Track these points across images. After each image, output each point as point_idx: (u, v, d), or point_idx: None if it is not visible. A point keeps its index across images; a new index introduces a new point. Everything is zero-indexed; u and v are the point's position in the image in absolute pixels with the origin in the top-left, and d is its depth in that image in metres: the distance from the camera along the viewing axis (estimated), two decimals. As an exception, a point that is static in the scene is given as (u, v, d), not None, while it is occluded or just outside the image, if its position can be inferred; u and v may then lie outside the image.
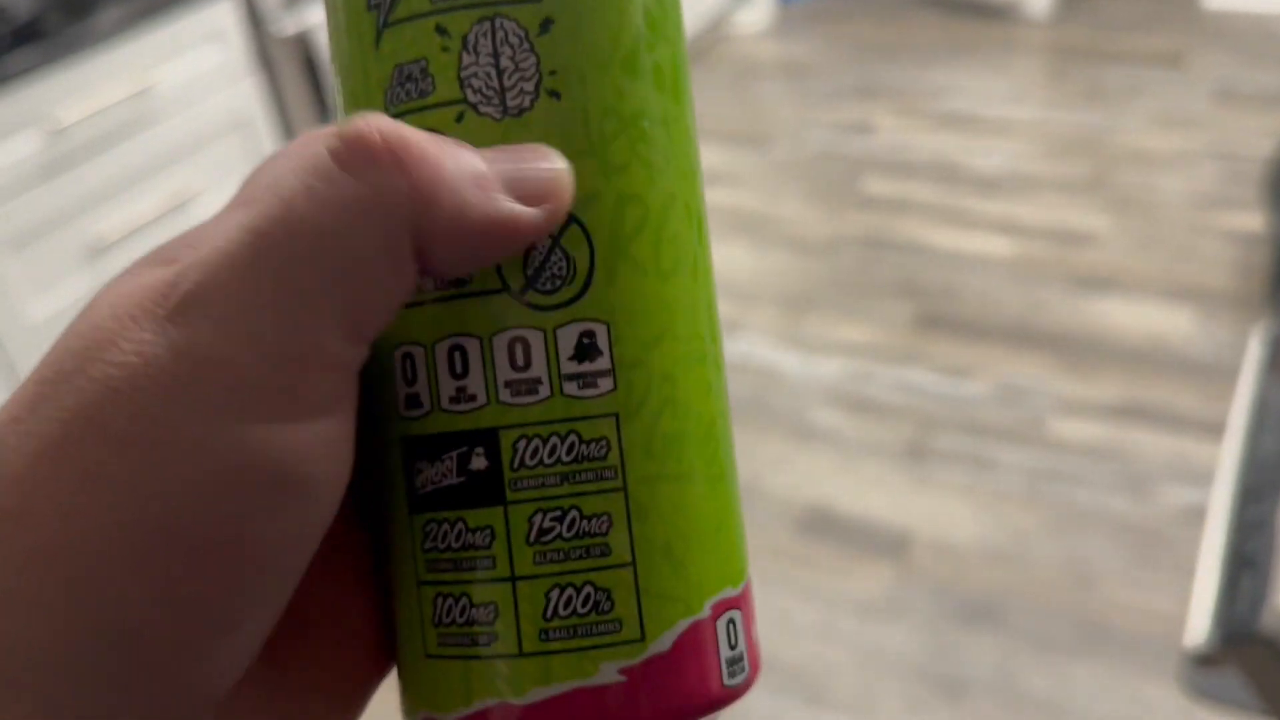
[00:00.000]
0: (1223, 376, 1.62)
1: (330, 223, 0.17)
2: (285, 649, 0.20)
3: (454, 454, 0.20)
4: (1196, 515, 1.40)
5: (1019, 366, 1.70)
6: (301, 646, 0.21)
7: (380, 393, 0.21)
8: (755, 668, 0.22)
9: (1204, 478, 1.45)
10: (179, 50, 1.53)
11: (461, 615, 0.20)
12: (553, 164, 0.19)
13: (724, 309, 1.91)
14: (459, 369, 0.20)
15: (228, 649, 0.18)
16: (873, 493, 1.50)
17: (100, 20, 1.44)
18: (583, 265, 0.19)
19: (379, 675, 0.22)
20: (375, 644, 0.22)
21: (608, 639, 0.19)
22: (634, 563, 0.20)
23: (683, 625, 0.20)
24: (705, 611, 0.21)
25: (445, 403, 0.20)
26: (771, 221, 2.18)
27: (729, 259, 2.08)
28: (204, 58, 1.57)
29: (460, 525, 0.20)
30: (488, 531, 0.20)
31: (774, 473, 1.55)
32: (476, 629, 0.20)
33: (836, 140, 2.47)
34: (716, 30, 3.05)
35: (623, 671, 0.20)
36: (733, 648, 0.21)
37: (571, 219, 0.19)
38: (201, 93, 1.56)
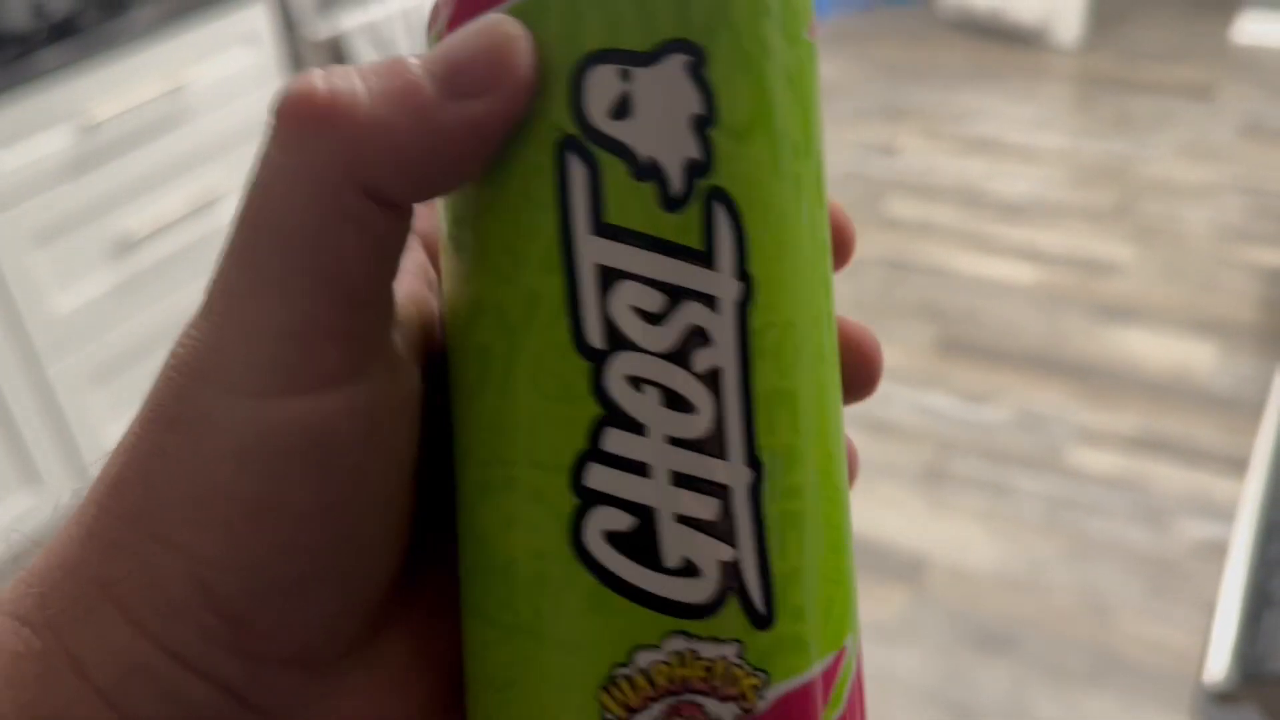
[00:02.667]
0: (1244, 411, 1.61)
1: (278, 202, 0.18)
2: (405, 627, 0.21)
3: None
4: (1213, 549, 1.39)
5: (1039, 393, 1.70)
6: (416, 627, 0.21)
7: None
8: None
9: (1222, 512, 1.44)
10: (212, 51, 1.54)
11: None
12: (491, 36, 0.18)
13: (744, 326, 1.91)
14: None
15: (315, 608, 0.19)
16: (889, 515, 1.50)
17: (136, 19, 1.45)
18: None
19: None
20: None
21: None
22: None
23: None
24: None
25: None
26: (794, 240, 2.18)
27: (750, 276, 2.08)
28: (236, 59, 1.58)
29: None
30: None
31: (790, 491, 1.55)
32: None
33: (861, 161, 2.47)
34: (744, 47, 3.05)
35: None
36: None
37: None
38: (232, 93, 1.57)
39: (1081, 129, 2.54)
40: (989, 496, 1.52)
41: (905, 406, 1.70)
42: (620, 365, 0.18)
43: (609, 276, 0.18)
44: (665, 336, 0.19)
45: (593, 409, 0.19)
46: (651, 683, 0.19)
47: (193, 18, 1.51)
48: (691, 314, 0.19)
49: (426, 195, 0.18)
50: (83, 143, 1.40)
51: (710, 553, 0.19)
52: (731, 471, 0.19)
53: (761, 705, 0.19)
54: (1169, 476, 1.53)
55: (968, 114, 2.62)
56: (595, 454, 0.19)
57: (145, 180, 1.48)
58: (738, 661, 0.19)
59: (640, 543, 0.18)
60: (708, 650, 0.19)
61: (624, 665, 0.19)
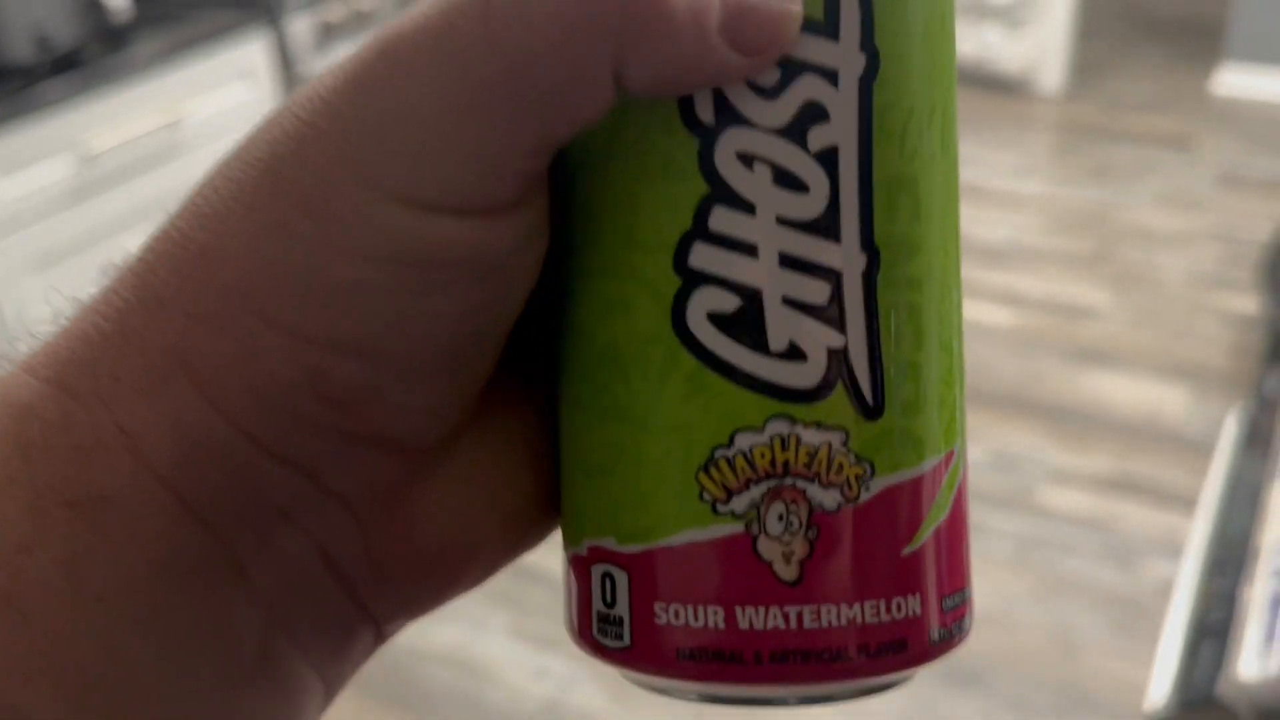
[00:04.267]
0: (1212, 454, 1.64)
1: (529, 36, 0.16)
2: (502, 421, 0.20)
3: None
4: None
5: (1013, 434, 1.73)
6: (520, 420, 0.21)
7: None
8: (648, 654, 0.20)
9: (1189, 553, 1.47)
10: (210, 86, 1.58)
11: None
12: (784, 6, 0.17)
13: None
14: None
15: (421, 397, 0.18)
16: (863, 551, 1.53)
17: (136, 53, 1.49)
18: None
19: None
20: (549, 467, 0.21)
21: None
22: None
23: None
24: (581, 549, 0.20)
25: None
26: (778, 280, 2.22)
27: (734, 314, 2.11)
28: (234, 94, 1.62)
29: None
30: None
31: (767, 526, 1.57)
32: None
33: (846, 203, 2.51)
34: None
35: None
36: (608, 605, 0.20)
37: None
38: (229, 127, 1.61)
39: (1062, 176, 2.59)
40: (962, 534, 1.55)
41: (882, 445, 1.73)
42: (730, 141, 0.18)
43: None
44: (780, 111, 0.18)
45: (700, 186, 0.18)
46: (752, 465, 0.18)
47: (192, 53, 1.55)
48: (809, 88, 0.18)
49: (655, 95, 0.18)
50: (82, 173, 1.43)
51: (818, 337, 0.18)
52: (845, 256, 0.18)
53: (865, 495, 0.19)
54: (1138, 517, 1.56)
55: (951, 159, 2.67)
56: (701, 233, 0.18)
57: (142, 210, 1.52)
58: (842, 450, 0.18)
59: (745, 325, 0.18)
60: (811, 436, 0.18)
61: (725, 447, 0.18)
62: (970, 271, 2.17)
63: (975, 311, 2.06)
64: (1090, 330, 1.99)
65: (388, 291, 0.17)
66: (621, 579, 0.19)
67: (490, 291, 0.18)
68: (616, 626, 0.20)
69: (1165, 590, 1.43)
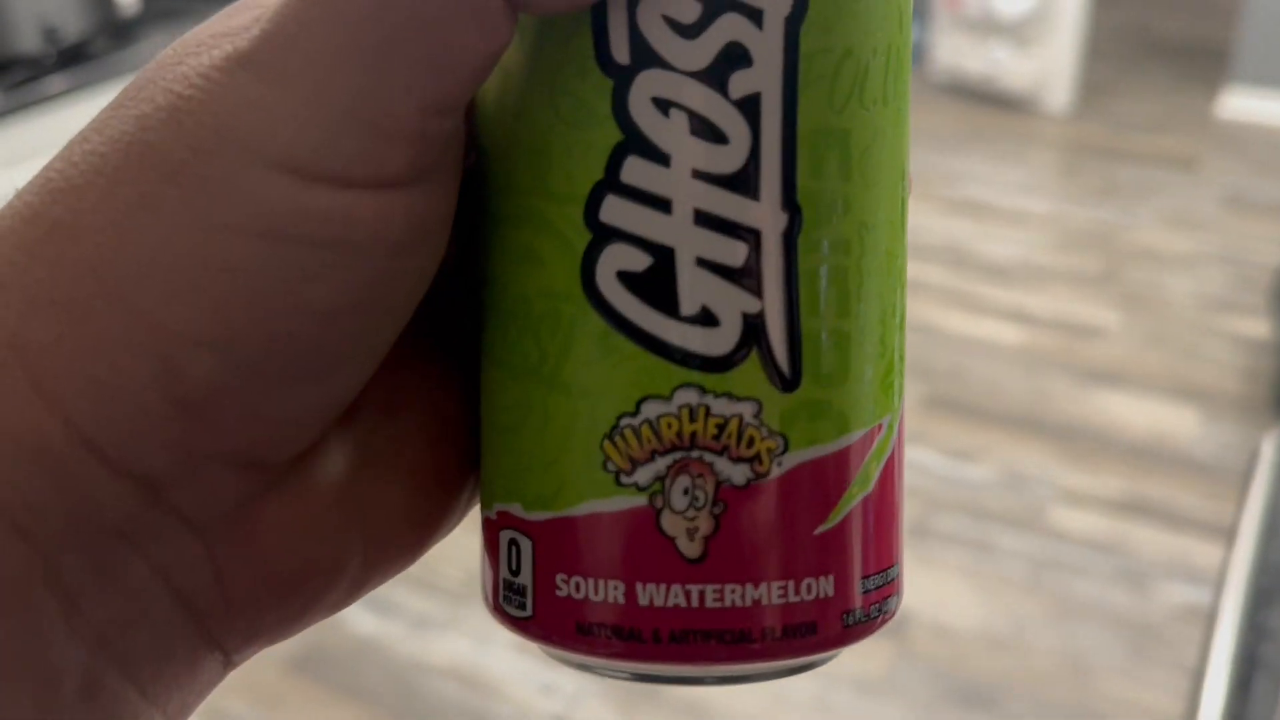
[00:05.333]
0: (1224, 477, 1.63)
1: (408, 1, 0.15)
2: (369, 434, 0.19)
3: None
4: (1193, 614, 1.40)
5: (1023, 453, 1.71)
6: (388, 435, 0.19)
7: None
8: (549, 625, 0.19)
9: (1202, 577, 1.45)
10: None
11: None
12: None
13: (733, 375, 1.93)
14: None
15: (284, 406, 0.17)
16: (873, 569, 1.51)
17: (144, 47, 1.47)
18: None
19: (470, 476, 0.21)
20: (469, 441, 0.20)
21: None
22: None
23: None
24: (492, 513, 0.19)
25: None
26: (784, 292, 2.20)
27: (741, 326, 2.09)
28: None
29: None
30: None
31: (775, 542, 1.55)
32: None
33: (852, 217, 2.50)
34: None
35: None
36: (513, 572, 0.19)
37: None
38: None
39: (1068, 195, 2.58)
40: (973, 554, 1.53)
41: (891, 461, 1.71)
42: (646, 84, 0.17)
43: None
44: (699, 53, 0.17)
45: (613, 134, 0.17)
46: (658, 435, 0.17)
47: (202, 49, 1.52)
48: (731, 28, 0.16)
49: (549, 9, 0.17)
50: (87, 168, 1.41)
51: (732, 302, 0.17)
52: (764, 214, 0.17)
53: (777, 471, 0.18)
54: (1149, 540, 1.54)
55: (958, 176, 2.66)
56: (613, 184, 0.17)
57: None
58: (754, 422, 0.17)
59: (656, 286, 0.17)
60: (721, 407, 0.17)
61: (631, 415, 0.17)
62: (978, 288, 2.17)
63: (983, 329, 2.05)
64: (1099, 350, 1.98)
65: (256, 275, 0.15)
66: (526, 547, 0.19)
67: (370, 289, 0.16)
68: (520, 596, 0.19)
69: (1179, 615, 1.41)
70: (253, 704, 1.31)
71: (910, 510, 1.61)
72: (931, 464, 1.70)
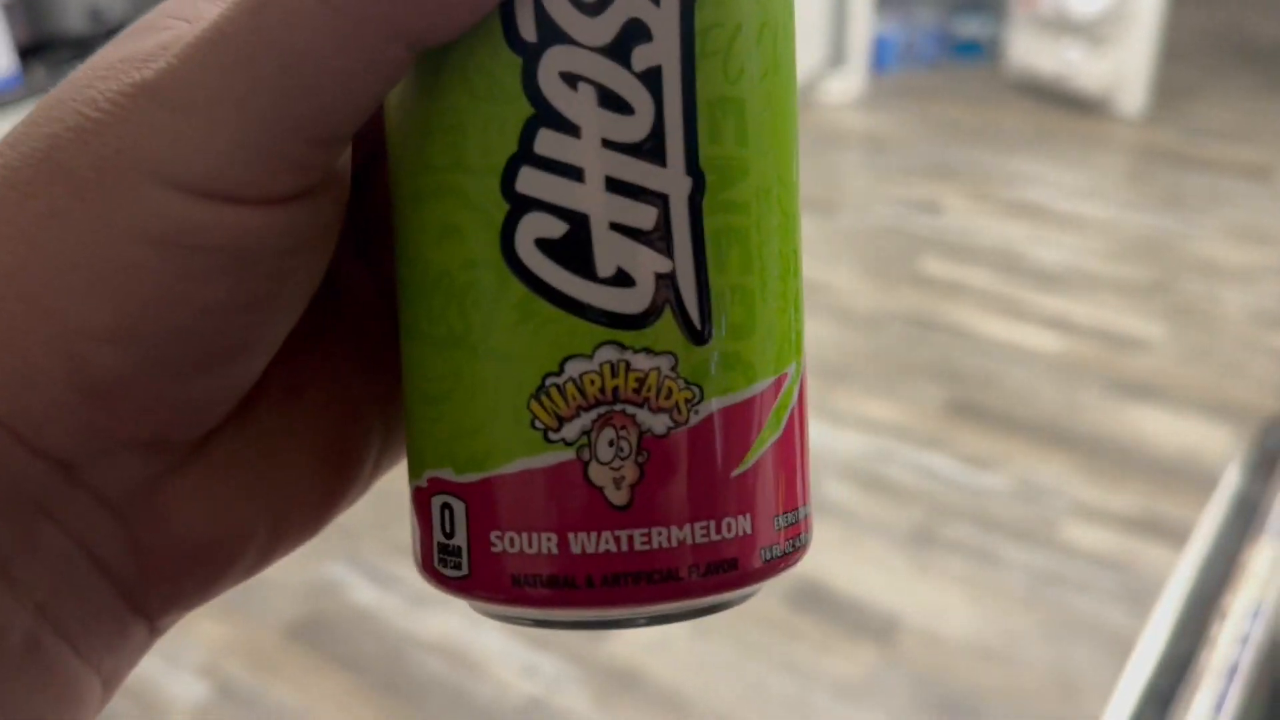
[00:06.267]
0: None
1: (306, 29, 0.17)
2: (273, 413, 0.21)
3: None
4: (1196, 639, 1.37)
5: (1042, 465, 1.69)
6: (291, 413, 0.21)
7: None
8: (484, 580, 0.20)
9: (1210, 602, 1.42)
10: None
11: None
12: None
13: (759, 371, 1.93)
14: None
15: (185, 393, 0.18)
16: (870, 573, 1.50)
17: (188, 30, 1.52)
18: None
19: (372, 451, 0.22)
20: (371, 418, 0.22)
21: None
22: None
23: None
24: (422, 481, 0.20)
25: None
26: (821, 289, 2.19)
27: (773, 322, 2.09)
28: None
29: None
30: None
31: (777, 540, 1.55)
32: None
33: (903, 216, 2.47)
34: (805, 96, 3.08)
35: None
36: (447, 535, 0.20)
37: None
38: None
39: (1131, 201, 2.52)
40: (975, 563, 1.51)
41: (904, 465, 1.70)
42: (553, 60, 0.18)
43: None
44: (602, 30, 0.18)
45: (525, 108, 0.18)
46: (582, 392, 0.18)
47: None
48: (631, 6, 0.18)
49: (455, 35, 0.18)
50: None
51: (645, 263, 0.18)
52: (670, 179, 0.18)
53: (695, 419, 0.19)
54: (1160, 560, 1.51)
55: (1018, 178, 2.61)
56: (527, 156, 0.18)
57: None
58: (671, 374, 0.19)
59: (573, 250, 0.18)
60: (640, 362, 0.18)
61: (555, 375, 0.18)
62: (1023, 293, 2.13)
63: (1020, 335, 2.01)
64: (1138, 362, 1.93)
65: (153, 278, 0.17)
66: (459, 509, 0.20)
67: (260, 288, 0.18)
68: (455, 556, 0.20)
69: (1180, 638, 1.38)
70: (250, 667, 1.36)
71: (916, 515, 1.60)
72: (946, 470, 1.68)
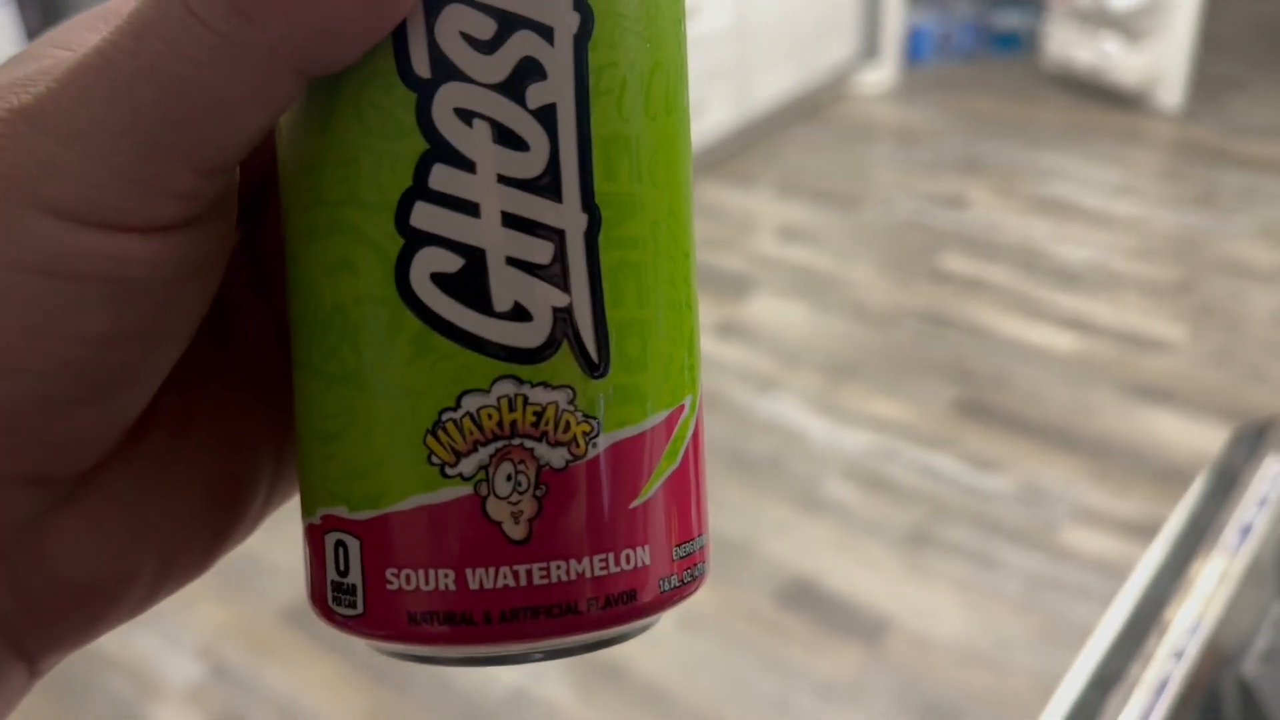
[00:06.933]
0: (1258, 509, 1.55)
1: (192, 57, 0.16)
2: (160, 448, 0.20)
3: None
4: (1191, 649, 1.35)
5: (1048, 467, 1.67)
6: (180, 447, 0.20)
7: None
8: (376, 619, 0.19)
9: (1209, 611, 1.39)
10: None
11: None
12: None
13: (766, 366, 1.92)
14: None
15: (68, 427, 0.18)
16: (864, 573, 1.49)
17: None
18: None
19: (262, 486, 0.22)
20: (263, 453, 0.22)
21: None
22: None
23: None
24: (315, 519, 0.20)
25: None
26: (838, 284, 2.18)
27: (785, 315, 2.08)
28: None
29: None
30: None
31: (771, 537, 1.55)
32: None
33: (926, 211, 2.45)
34: (837, 88, 3.05)
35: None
36: (341, 573, 0.20)
37: None
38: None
39: (1162, 199, 2.47)
40: (971, 566, 1.50)
41: (907, 465, 1.69)
42: (448, 96, 0.18)
43: (436, 0, 0.18)
44: (497, 67, 0.18)
45: (419, 143, 0.18)
46: (479, 427, 0.18)
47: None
48: (525, 44, 0.18)
49: (345, 64, 0.18)
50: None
51: (542, 297, 0.18)
52: (567, 215, 0.18)
53: (592, 452, 0.19)
54: (1161, 568, 1.49)
55: (1048, 173, 2.57)
56: (422, 191, 0.18)
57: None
58: (569, 408, 0.19)
59: (469, 285, 0.18)
60: (538, 395, 0.18)
61: (452, 410, 0.18)
62: (1042, 292, 2.10)
63: (1035, 334, 1.99)
64: (1155, 364, 1.90)
65: (33, 307, 0.17)
66: (354, 546, 0.19)
67: (145, 318, 0.18)
68: (350, 595, 0.19)
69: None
70: (245, 649, 1.38)
71: (915, 516, 1.58)
72: (950, 470, 1.67)
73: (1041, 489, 1.63)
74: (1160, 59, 2.79)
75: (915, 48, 3.21)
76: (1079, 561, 1.50)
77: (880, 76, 3.09)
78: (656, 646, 1.37)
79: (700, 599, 1.49)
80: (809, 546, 1.54)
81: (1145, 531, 1.55)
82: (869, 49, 3.09)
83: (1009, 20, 3.28)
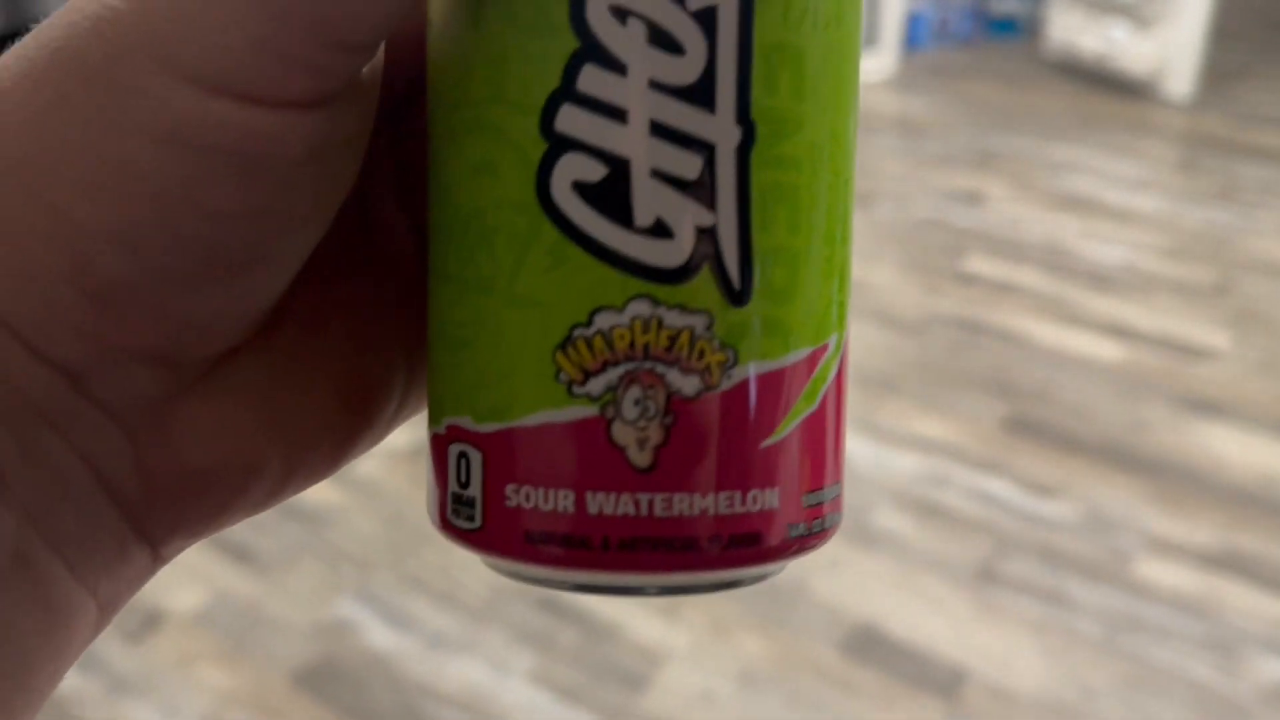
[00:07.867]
0: (1337, 535, 1.46)
1: None
2: (294, 344, 0.20)
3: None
4: (1290, 696, 1.26)
5: (1110, 490, 1.57)
6: (314, 345, 0.20)
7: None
8: (498, 539, 0.19)
9: (1304, 652, 1.30)
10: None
11: None
12: None
13: (799, 381, 1.81)
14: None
15: (191, 306, 0.18)
16: (931, 615, 1.38)
17: None
18: None
19: (395, 395, 0.22)
20: (396, 361, 0.22)
21: None
22: None
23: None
24: (440, 428, 0.20)
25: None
26: (862, 288, 2.07)
27: (812, 326, 1.97)
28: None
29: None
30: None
31: (824, 577, 1.43)
32: None
33: (944, 208, 2.34)
34: (833, 74, 2.95)
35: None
36: (462, 485, 0.19)
37: None
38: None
39: (1183, 193, 2.39)
40: (1044, 605, 1.39)
41: (963, 491, 1.58)
42: None
43: None
44: None
45: (570, 42, 0.17)
46: (610, 346, 0.18)
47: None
48: None
49: None
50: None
51: (686, 214, 0.18)
52: (719, 128, 0.17)
53: (726, 384, 0.18)
54: (1246, 603, 1.39)
55: (1063, 166, 2.48)
56: (570, 93, 0.17)
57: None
58: (705, 335, 0.18)
59: (610, 196, 0.17)
60: (674, 319, 0.18)
61: (583, 326, 0.18)
62: (1076, 294, 2.00)
63: (1075, 342, 1.89)
64: (1205, 374, 1.81)
65: (157, 176, 0.16)
66: (476, 459, 0.19)
67: (270, 197, 0.17)
68: (469, 508, 0.19)
69: (1272, 695, 1.27)
70: (254, 715, 1.25)
71: (979, 549, 1.47)
72: (1006, 496, 1.56)
73: (1105, 516, 1.53)
74: (1169, 46, 2.71)
75: (912, 34, 3.12)
76: (1157, 597, 1.40)
77: (880, 64, 2.98)
78: (716, 708, 1.25)
79: (758, 650, 1.38)
80: (867, 586, 1.42)
81: (1222, 563, 1.45)
82: (867, 35, 2.99)
83: (1006, 5, 3.19)
